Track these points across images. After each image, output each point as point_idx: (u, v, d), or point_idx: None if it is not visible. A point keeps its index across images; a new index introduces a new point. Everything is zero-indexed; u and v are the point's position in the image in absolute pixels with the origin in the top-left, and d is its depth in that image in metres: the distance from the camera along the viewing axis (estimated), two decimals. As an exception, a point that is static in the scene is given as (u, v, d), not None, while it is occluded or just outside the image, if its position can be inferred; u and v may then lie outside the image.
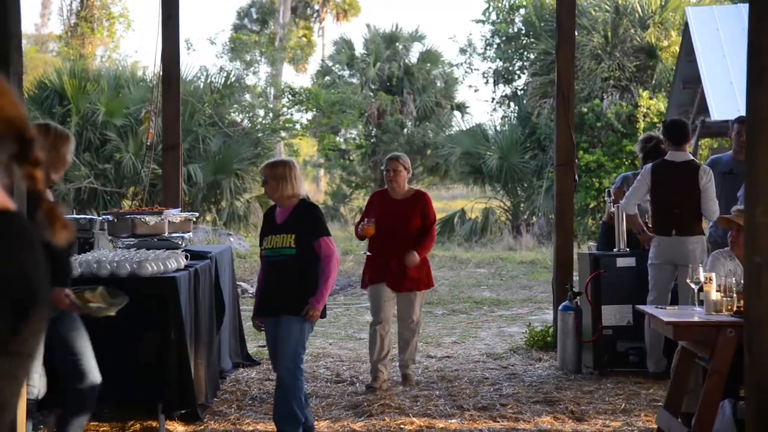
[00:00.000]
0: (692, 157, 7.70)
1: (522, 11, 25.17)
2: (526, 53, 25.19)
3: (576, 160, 8.94)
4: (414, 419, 6.41)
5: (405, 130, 26.69)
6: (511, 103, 25.77)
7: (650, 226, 7.92)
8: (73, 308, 4.65)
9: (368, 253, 7.48)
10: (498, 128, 24.36)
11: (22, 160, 1.71)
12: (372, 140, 26.71)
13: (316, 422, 6.27)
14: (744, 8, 15.06)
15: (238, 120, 22.38)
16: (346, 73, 28.46)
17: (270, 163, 5.98)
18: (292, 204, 5.86)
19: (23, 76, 4.93)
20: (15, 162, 1.70)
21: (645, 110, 21.20)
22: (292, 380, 5.68)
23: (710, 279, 5.36)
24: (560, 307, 8.23)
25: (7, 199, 1.67)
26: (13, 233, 1.62)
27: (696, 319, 5.30)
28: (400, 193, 7.51)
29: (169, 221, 7.02)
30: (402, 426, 6.28)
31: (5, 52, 4.69)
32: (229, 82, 21.77)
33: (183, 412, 6.21)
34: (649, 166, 7.81)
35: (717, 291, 5.32)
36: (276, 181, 5.83)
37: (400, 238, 7.36)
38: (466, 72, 30.37)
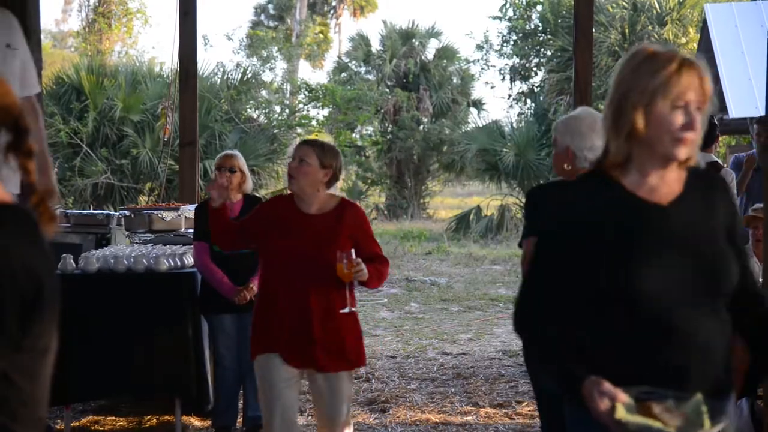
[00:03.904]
0: (716, 159, 7.69)
1: (539, 8, 25.11)
2: (542, 50, 25.12)
3: (593, 158, 8.93)
4: (430, 416, 6.42)
5: (421, 127, 26.66)
6: (528, 100, 25.70)
7: None
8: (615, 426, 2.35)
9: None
10: (514, 125, 24.29)
11: (15, 150, 1.69)
12: (388, 137, 26.69)
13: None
14: (763, 5, 14.99)
15: (255, 116, 22.40)
16: (363, 69, 28.45)
17: (235, 155, 6.02)
18: (239, 198, 5.96)
19: (42, 72, 4.96)
20: (9, 152, 1.69)
21: (662, 107, 21.13)
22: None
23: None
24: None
25: (6, 191, 1.66)
26: (14, 226, 1.61)
27: (713, 317, 5.27)
28: (312, 203, 4.57)
29: (185, 217, 7.04)
30: (418, 422, 6.28)
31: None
32: (245, 78, 21.78)
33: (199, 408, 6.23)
34: None
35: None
36: (242, 172, 5.93)
37: (312, 281, 4.39)
38: (482, 68, 30.27)
